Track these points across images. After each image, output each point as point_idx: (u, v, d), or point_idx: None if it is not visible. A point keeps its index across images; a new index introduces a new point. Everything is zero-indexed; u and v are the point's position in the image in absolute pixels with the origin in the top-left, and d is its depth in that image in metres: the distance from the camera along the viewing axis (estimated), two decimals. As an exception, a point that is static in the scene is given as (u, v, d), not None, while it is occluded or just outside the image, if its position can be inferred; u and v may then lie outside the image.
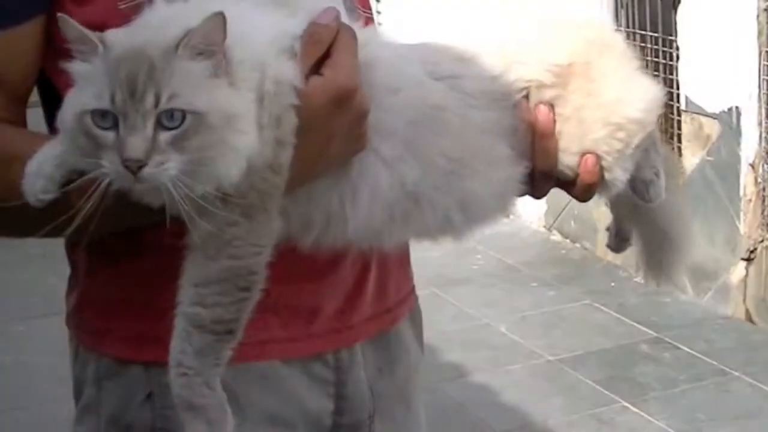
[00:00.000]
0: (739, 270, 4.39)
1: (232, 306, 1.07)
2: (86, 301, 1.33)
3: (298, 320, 1.29)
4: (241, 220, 1.06)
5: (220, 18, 1.00)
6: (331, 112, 1.08)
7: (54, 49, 1.17)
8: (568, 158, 1.21)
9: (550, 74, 1.20)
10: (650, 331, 4.38)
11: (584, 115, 1.20)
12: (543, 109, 1.19)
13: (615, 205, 1.37)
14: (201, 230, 1.04)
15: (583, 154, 1.20)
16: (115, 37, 1.02)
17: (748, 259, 4.34)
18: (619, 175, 1.22)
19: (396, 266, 1.40)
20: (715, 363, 4.06)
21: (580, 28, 1.25)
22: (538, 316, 4.63)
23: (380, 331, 1.37)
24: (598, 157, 1.20)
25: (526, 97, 1.20)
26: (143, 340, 1.25)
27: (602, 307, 4.68)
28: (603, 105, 1.20)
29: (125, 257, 1.25)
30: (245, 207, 1.06)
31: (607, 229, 1.43)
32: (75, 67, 1.03)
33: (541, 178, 1.21)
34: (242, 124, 1.03)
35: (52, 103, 1.20)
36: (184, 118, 1.00)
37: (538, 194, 1.23)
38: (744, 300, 4.41)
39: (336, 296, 1.32)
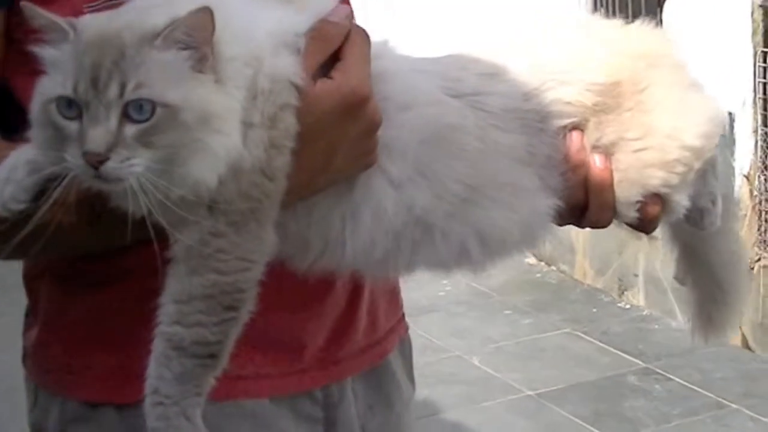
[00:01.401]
0: (733, 293, 4.14)
1: (216, 327, 1.04)
2: (51, 335, 1.29)
3: (284, 354, 1.27)
4: (228, 230, 1.04)
5: (207, 12, 0.99)
6: (340, 120, 1.06)
7: (13, 52, 1.17)
8: (626, 209, 1.19)
9: (592, 94, 1.17)
10: (638, 361, 4.27)
11: (641, 158, 1.18)
12: (599, 161, 1.16)
13: (672, 236, 1.36)
14: (182, 241, 1.03)
15: (644, 196, 1.19)
16: (90, 21, 1.02)
17: (744, 281, 4.10)
18: (681, 200, 1.21)
19: (387, 291, 1.40)
20: (711, 395, 3.96)
21: (625, 37, 1.23)
22: (514, 347, 4.54)
23: (371, 364, 1.36)
24: (660, 196, 1.19)
25: (566, 124, 1.16)
26: (121, 379, 1.20)
27: (584, 336, 4.59)
28: (658, 140, 1.18)
29: (103, 283, 1.23)
30: (232, 215, 1.03)
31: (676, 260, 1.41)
32: (45, 53, 1.02)
33: (593, 224, 1.21)
34: (222, 123, 1.01)
35: (10, 114, 1.17)
36: (153, 111, 0.98)
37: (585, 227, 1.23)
38: (740, 325, 4.15)
39: (325, 327, 1.31)
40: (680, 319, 4.46)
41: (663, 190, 1.18)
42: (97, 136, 0.96)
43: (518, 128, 1.15)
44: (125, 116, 0.97)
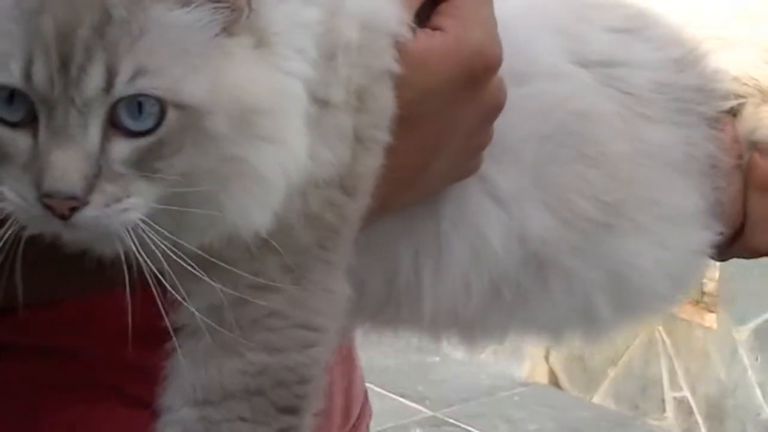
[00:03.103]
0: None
1: None
2: None
3: None
4: (282, 278, 0.82)
5: None
6: (456, 96, 0.86)
7: None
8: None
9: None
10: (422, 408, 3.81)
11: None
12: (762, 161, 1.00)
13: None
14: (204, 302, 0.81)
15: None
16: None
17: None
18: None
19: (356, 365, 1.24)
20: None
21: None
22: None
23: None
24: None
25: (733, 110, 1.00)
26: None
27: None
28: None
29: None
30: (290, 254, 0.81)
31: None
32: None
33: (752, 251, 1.05)
34: (274, 123, 0.76)
35: None
36: (162, 116, 0.72)
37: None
38: (546, 357, 3.96)
39: None
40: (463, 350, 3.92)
41: None
42: (69, 166, 0.70)
43: (673, 116, 0.97)
44: (113, 125, 0.72)
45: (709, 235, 1.00)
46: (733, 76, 0.98)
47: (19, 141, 0.73)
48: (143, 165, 0.74)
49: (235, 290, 0.81)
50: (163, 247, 0.76)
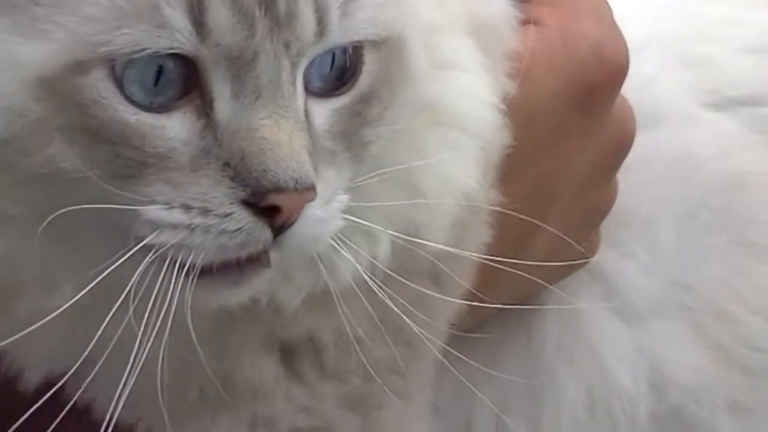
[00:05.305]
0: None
1: None
2: None
3: None
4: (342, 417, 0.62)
5: None
6: (570, 116, 0.64)
7: None
8: None
9: None
10: None
11: None
12: None
13: None
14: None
15: None
16: None
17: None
18: None
19: None
20: None
21: None
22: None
23: None
24: None
25: None
26: None
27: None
28: None
29: None
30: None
31: None
32: None
33: None
34: (471, 79, 0.60)
35: None
36: (357, 60, 0.54)
37: None
38: None
39: None
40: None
41: None
42: (294, 142, 0.50)
43: None
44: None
45: None
46: None
47: (176, 127, 0.50)
48: (347, 138, 0.54)
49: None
50: (358, 267, 0.55)
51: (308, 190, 0.50)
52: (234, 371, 0.58)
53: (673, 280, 0.70)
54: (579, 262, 0.65)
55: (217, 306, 0.55)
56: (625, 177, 0.70)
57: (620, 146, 0.67)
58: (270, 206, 0.49)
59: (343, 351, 0.59)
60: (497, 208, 0.61)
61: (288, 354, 0.60)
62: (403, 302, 0.56)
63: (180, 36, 0.48)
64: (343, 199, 0.54)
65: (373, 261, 0.56)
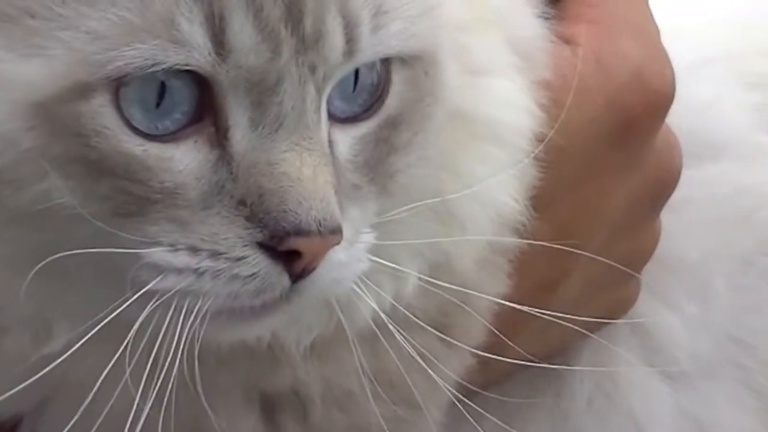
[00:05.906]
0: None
1: None
2: None
3: None
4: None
5: None
6: (607, 149, 0.59)
7: None
8: None
9: None
10: None
11: None
12: None
13: None
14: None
15: None
16: None
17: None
18: None
19: None
20: None
21: None
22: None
23: None
24: None
25: None
26: None
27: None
28: None
29: None
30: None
31: None
32: None
33: None
34: (509, 87, 0.56)
35: None
36: (385, 79, 0.50)
37: None
38: None
39: None
40: None
41: None
42: (319, 179, 0.46)
43: None
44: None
45: None
46: None
47: (185, 159, 0.46)
48: (372, 168, 0.50)
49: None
50: (376, 309, 0.51)
51: (333, 234, 0.46)
52: (208, 423, 0.53)
53: (726, 334, 0.66)
54: (610, 316, 0.61)
55: (233, 341, 0.51)
56: (673, 218, 0.65)
57: (663, 184, 0.63)
58: (289, 251, 0.45)
59: (331, 406, 0.55)
60: (524, 240, 0.57)
61: (269, 407, 0.55)
62: (414, 353, 0.51)
63: (198, 54, 0.44)
64: (369, 238, 0.49)
65: (395, 303, 0.52)
